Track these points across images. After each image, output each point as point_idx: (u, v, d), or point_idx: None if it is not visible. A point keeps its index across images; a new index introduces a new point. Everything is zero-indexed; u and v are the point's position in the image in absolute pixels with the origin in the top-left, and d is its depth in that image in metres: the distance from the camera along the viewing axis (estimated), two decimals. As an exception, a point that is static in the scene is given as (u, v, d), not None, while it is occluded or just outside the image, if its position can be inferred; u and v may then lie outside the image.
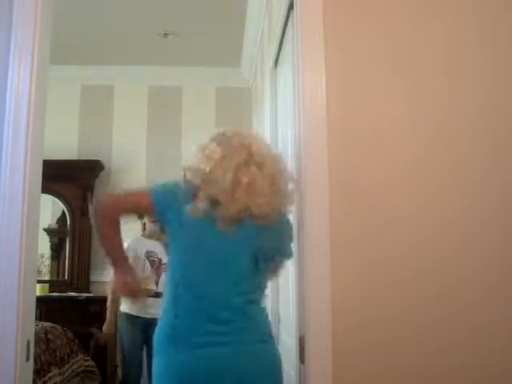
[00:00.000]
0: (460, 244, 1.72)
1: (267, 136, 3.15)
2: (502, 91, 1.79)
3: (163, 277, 3.60)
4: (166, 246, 3.53)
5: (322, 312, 1.65)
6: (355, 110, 1.76)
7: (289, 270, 2.28)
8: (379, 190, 1.73)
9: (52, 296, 4.39)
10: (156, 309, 3.47)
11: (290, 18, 2.14)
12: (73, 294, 4.41)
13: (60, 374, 3.33)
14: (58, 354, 3.37)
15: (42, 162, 1.79)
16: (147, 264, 3.73)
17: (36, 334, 1.81)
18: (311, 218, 1.69)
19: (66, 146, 4.88)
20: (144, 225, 3.84)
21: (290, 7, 2.06)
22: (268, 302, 2.93)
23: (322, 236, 1.67)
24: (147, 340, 3.54)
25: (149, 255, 3.74)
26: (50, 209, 4.92)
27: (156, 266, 3.73)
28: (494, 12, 1.82)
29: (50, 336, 3.37)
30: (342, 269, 1.67)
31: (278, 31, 2.52)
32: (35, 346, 1.72)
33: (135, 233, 3.80)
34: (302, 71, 1.76)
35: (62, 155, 4.65)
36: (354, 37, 1.80)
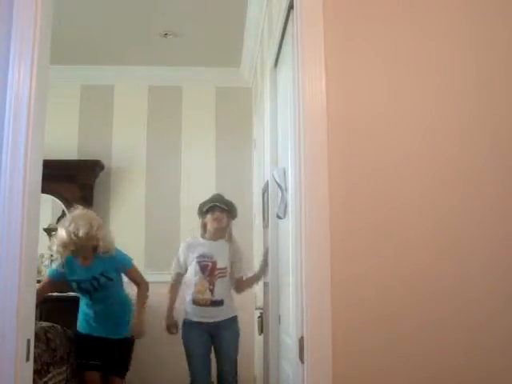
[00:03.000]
0: (462, 241, 1.72)
1: (267, 136, 3.15)
2: (498, 88, 1.80)
3: (220, 283, 3.41)
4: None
5: (322, 312, 1.65)
6: (355, 109, 1.76)
7: (289, 269, 2.28)
8: (380, 188, 1.73)
9: (52, 296, 4.39)
10: (219, 316, 3.41)
11: (290, 18, 2.14)
12: (73, 294, 4.39)
13: (60, 373, 3.33)
14: (57, 353, 3.37)
15: (42, 162, 1.79)
16: (197, 269, 3.43)
17: (36, 334, 1.80)
18: (311, 219, 1.69)
19: (66, 146, 4.88)
20: (205, 225, 3.55)
21: (290, 7, 2.06)
22: (268, 302, 2.93)
23: (322, 235, 1.68)
24: (215, 344, 3.43)
25: (200, 259, 3.44)
26: (50, 209, 4.92)
27: (208, 271, 3.42)
28: (490, 12, 1.83)
29: (49, 335, 3.36)
30: (341, 268, 1.68)
31: (278, 31, 2.52)
32: (35, 346, 1.72)
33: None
34: (301, 71, 1.76)
35: (62, 155, 4.66)
36: (353, 36, 1.80)
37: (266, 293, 3.20)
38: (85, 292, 3.33)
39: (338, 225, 1.69)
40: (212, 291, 3.40)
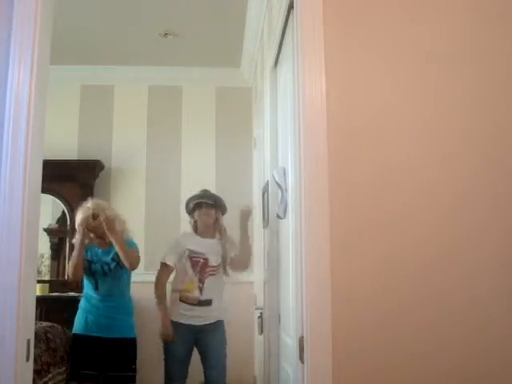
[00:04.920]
0: (462, 240, 1.72)
1: (267, 136, 3.15)
2: (498, 86, 1.80)
3: (211, 281, 3.32)
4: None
5: (322, 312, 1.65)
6: (355, 109, 1.76)
7: (289, 269, 2.29)
8: (379, 188, 1.73)
9: (52, 296, 4.40)
10: (206, 318, 3.31)
11: (290, 17, 2.14)
12: (73, 293, 4.41)
13: (60, 373, 3.34)
14: (57, 353, 3.37)
15: (42, 162, 1.79)
16: (188, 265, 3.34)
17: (36, 334, 1.80)
18: (310, 219, 1.69)
19: (66, 146, 4.89)
20: (195, 222, 3.50)
21: (290, 7, 2.06)
22: (268, 302, 2.93)
23: (322, 235, 1.68)
24: (199, 347, 3.33)
25: (192, 255, 3.34)
26: (50, 209, 4.93)
27: (199, 268, 3.33)
28: (490, 11, 1.83)
29: (49, 335, 3.37)
30: (341, 268, 1.67)
31: (278, 31, 2.53)
32: (35, 346, 1.72)
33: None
34: (302, 71, 1.76)
35: (62, 155, 4.66)
36: (354, 36, 1.80)
37: (265, 293, 3.20)
38: (93, 276, 3.30)
39: (338, 224, 1.69)
40: (201, 290, 3.30)
